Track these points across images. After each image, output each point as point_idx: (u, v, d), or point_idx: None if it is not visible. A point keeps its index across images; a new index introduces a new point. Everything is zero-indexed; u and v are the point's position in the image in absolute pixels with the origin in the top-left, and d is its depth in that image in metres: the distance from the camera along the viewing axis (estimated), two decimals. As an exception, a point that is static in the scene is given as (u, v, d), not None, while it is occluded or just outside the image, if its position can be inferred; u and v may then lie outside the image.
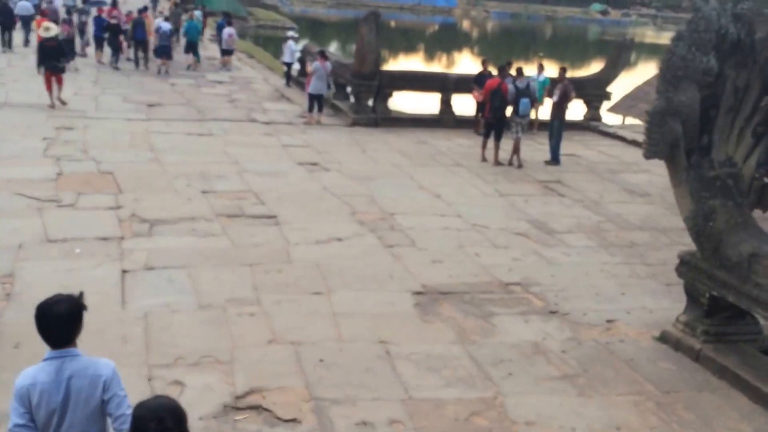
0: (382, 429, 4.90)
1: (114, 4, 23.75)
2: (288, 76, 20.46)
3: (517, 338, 6.41)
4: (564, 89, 13.29)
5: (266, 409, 5.00)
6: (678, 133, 6.63)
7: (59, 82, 14.83)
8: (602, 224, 10.00)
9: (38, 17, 20.27)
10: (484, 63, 15.95)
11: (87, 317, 3.28)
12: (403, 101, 17.81)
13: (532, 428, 5.09)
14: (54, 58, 14.60)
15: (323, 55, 15.86)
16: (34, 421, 2.98)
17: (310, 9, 68.11)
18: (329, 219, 9.32)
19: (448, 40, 56.13)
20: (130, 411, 2.91)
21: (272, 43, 33.95)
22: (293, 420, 4.91)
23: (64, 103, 14.99)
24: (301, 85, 19.23)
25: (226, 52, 22.60)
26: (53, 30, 15.54)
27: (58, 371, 2.98)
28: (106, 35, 20.48)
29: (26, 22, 22.84)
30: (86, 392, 2.98)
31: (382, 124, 15.73)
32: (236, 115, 15.90)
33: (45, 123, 13.49)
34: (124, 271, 7.17)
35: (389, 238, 8.77)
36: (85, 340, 3.21)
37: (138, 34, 20.50)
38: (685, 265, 6.70)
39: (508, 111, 13.01)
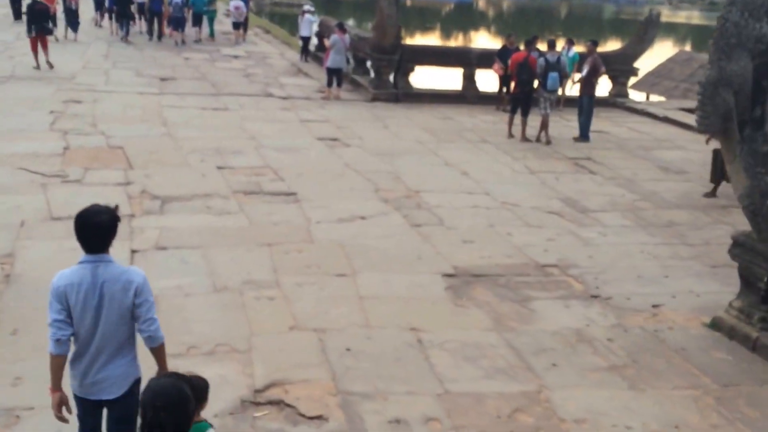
0: (418, 428, 4.42)
1: None
2: (305, 51, 19.87)
3: (559, 325, 5.90)
4: (593, 63, 12.60)
5: (288, 405, 4.53)
6: (730, 104, 6.04)
7: (44, 44, 15.28)
8: (638, 203, 9.41)
9: None
10: (508, 37, 15.26)
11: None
12: (422, 77, 17.15)
13: (583, 426, 4.59)
14: (42, 20, 15.22)
15: (342, 28, 15.26)
16: (70, 317, 3.19)
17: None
18: (352, 196, 8.82)
19: (464, 19, 55.00)
20: (156, 316, 3.27)
21: (288, 21, 33.28)
22: (319, 417, 4.43)
23: (51, 66, 15.32)
24: (319, 60, 18.72)
25: (236, 26, 22.24)
26: None
27: (93, 275, 3.19)
28: (114, 7, 20.32)
29: None
30: (119, 297, 3.20)
31: (403, 99, 15.15)
32: (252, 90, 15.39)
33: (53, 96, 13.08)
34: (134, 251, 6.71)
35: (416, 216, 8.26)
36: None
37: (155, 6, 20.27)
38: (740, 247, 6.14)
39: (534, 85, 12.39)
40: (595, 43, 12.92)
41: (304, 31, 19.61)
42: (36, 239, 6.91)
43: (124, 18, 20.27)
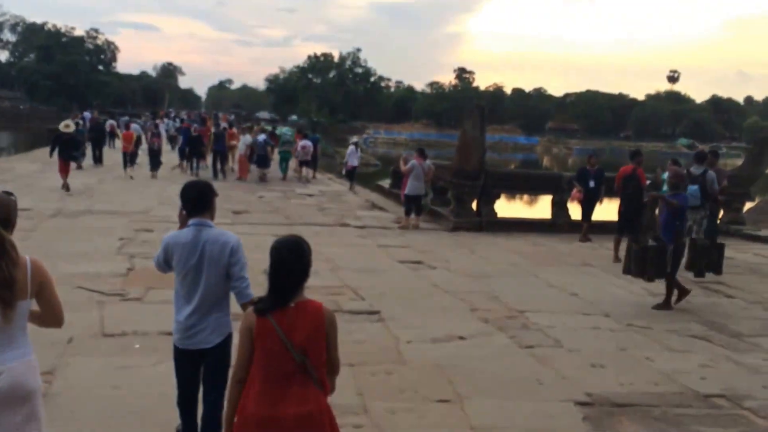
0: None
1: (203, 123, 25.51)
2: (351, 179, 21.17)
3: (761, 474, 4.17)
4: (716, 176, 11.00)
5: None
6: None
7: (66, 168, 16.89)
8: (801, 327, 7.65)
9: (125, 131, 22.80)
10: (590, 158, 14.05)
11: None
12: (503, 207, 16.08)
13: None
14: (70, 149, 17.08)
15: (422, 154, 14.61)
16: (169, 267, 3.88)
17: (392, 150, 70.25)
18: (445, 316, 7.47)
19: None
20: (247, 275, 3.82)
21: (358, 178, 33.82)
22: None
23: (68, 189, 16.49)
24: (395, 197, 18.46)
25: (302, 164, 22.88)
26: (72, 127, 17.93)
27: (196, 236, 3.78)
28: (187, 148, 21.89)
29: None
30: (217, 256, 3.75)
31: (487, 228, 14.00)
32: (327, 221, 14.68)
33: (125, 226, 12.67)
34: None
35: (525, 337, 6.79)
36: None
37: (218, 146, 21.20)
38: None
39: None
40: (716, 155, 11.36)
41: (352, 161, 20.64)
42: (82, 356, 5.87)
43: (195, 156, 21.47)
